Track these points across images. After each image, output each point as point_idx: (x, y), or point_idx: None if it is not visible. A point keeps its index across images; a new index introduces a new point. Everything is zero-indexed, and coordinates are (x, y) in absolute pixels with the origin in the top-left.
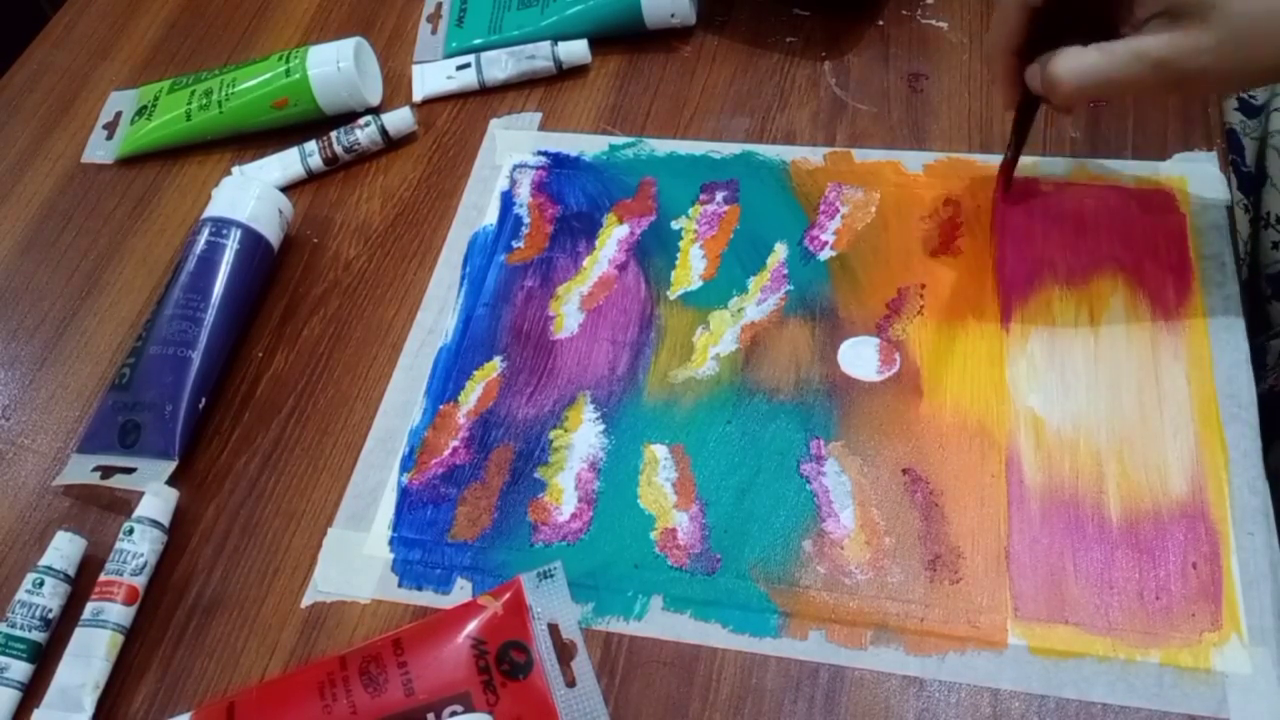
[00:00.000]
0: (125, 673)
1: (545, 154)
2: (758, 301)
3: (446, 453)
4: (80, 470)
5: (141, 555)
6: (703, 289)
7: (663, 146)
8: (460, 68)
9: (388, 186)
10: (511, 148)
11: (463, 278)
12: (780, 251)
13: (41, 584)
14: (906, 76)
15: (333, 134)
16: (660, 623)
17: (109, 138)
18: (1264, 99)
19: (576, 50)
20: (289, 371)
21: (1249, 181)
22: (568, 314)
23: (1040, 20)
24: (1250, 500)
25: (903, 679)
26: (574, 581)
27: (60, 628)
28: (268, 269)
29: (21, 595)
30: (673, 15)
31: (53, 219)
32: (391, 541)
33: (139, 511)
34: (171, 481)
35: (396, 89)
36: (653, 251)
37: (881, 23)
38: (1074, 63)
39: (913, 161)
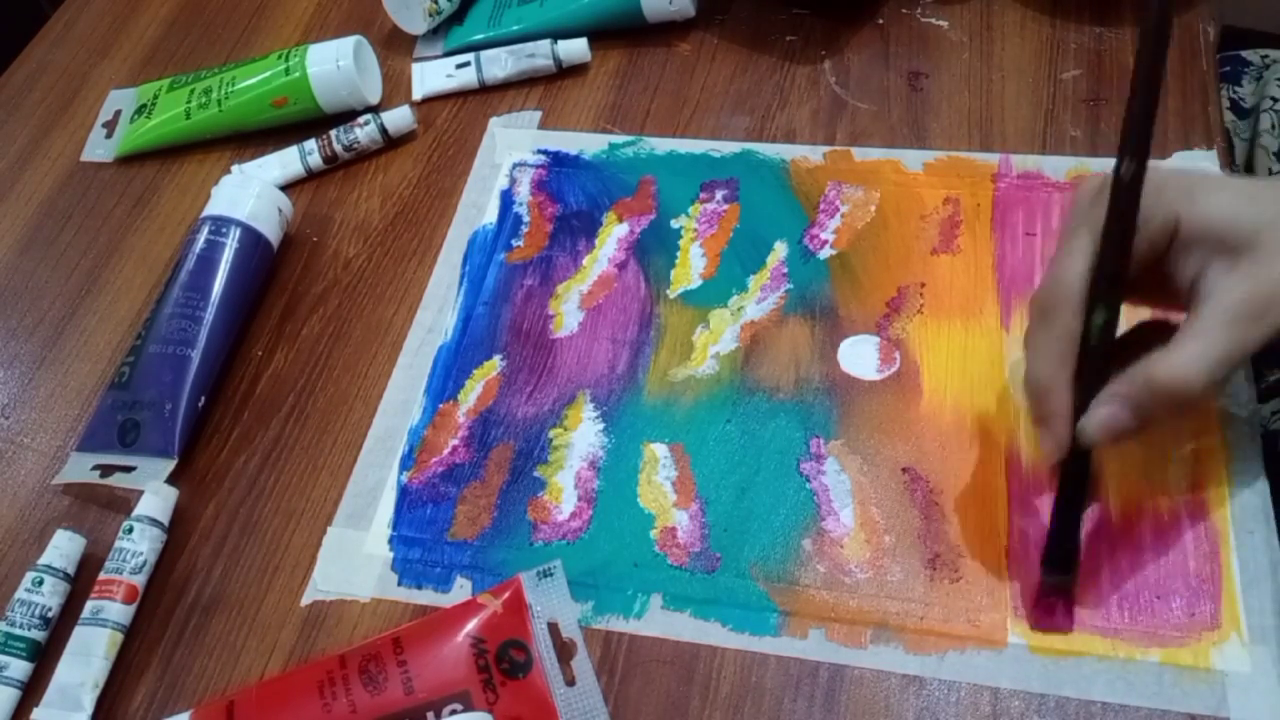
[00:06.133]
0: (125, 671)
1: (545, 152)
2: (758, 300)
3: (446, 451)
4: (80, 469)
5: (141, 554)
6: (702, 288)
7: (662, 145)
8: (460, 66)
9: (387, 185)
10: (511, 146)
11: (462, 276)
12: (780, 250)
13: (41, 582)
14: (906, 75)
15: (332, 132)
16: (660, 621)
17: (108, 136)
18: (1253, 102)
19: (576, 49)
20: (289, 370)
21: None
22: (567, 313)
23: (1086, 339)
24: (1250, 499)
25: (902, 678)
26: (574, 580)
27: (60, 626)
28: (267, 268)
29: (21, 594)
30: (671, 3)
31: (52, 218)
32: (391, 540)
33: (138, 510)
34: (171, 480)
35: (396, 88)
36: (652, 250)
37: (881, 21)
38: (1183, 362)
39: (913, 160)
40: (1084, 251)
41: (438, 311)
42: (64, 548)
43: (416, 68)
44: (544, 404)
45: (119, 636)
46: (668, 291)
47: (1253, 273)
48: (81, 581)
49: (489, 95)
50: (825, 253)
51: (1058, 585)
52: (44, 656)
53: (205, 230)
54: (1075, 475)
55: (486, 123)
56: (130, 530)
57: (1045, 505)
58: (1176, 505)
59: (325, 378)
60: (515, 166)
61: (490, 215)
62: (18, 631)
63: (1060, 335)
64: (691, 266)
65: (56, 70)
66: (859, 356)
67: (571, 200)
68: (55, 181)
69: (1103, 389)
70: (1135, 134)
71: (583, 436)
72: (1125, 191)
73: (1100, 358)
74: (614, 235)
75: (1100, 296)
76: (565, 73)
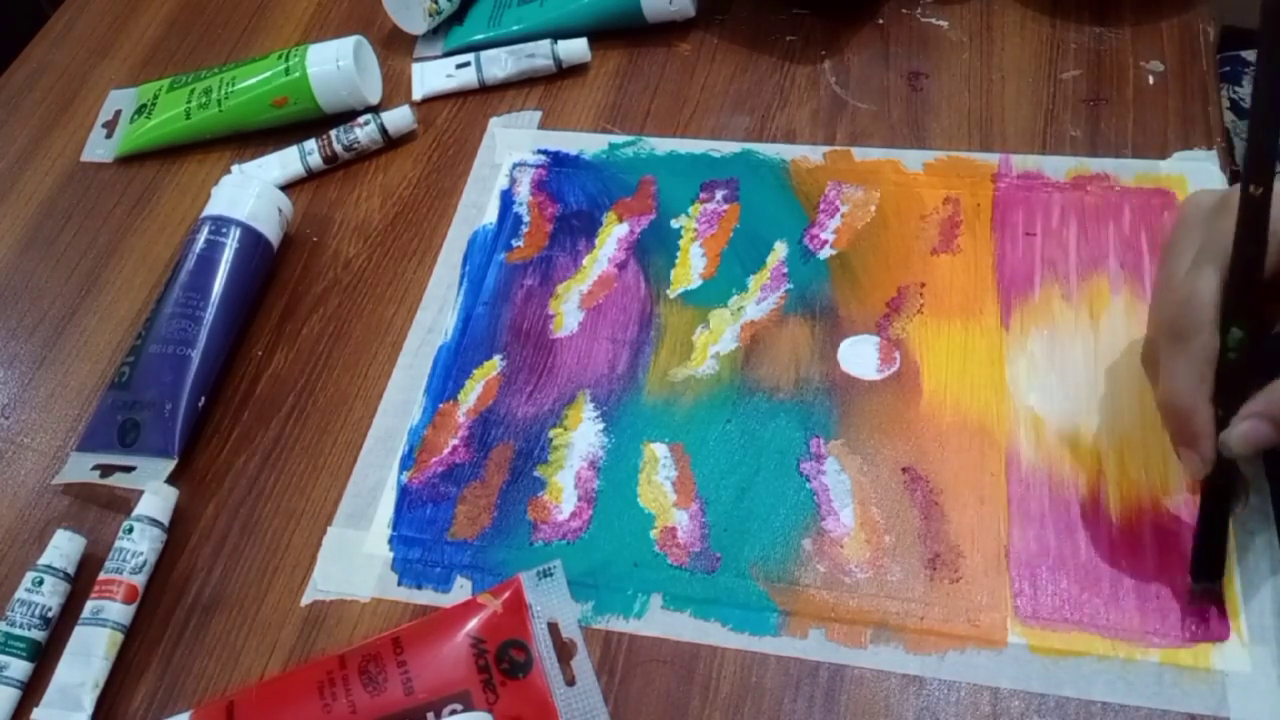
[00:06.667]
0: (125, 671)
1: (545, 152)
2: (758, 300)
3: (446, 451)
4: (80, 469)
5: (141, 554)
6: (702, 287)
7: (662, 145)
8: (460, 66)
9: (387, 185)
10: (511, 146)
11: (462, 276)
12: (780, 250)
13: (41, 582)
14: (906, 75)
15: (332, 132)
16: (660, 621)
17: (108, 136)
18: None
19: (576, 49)
20: (289, 370)
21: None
22: (567, 312)
23: (1224, 354)
24: (1250, 499)
25: (902, 677)
26: (574, 580)
27: (60, 626)
28: (267, 267)
29: (21, 594)
30: (671, 3)
31: (52, 218)
32: (391, 540)
33: (138, 510)
34: (171, 480)
35: (396, 87)
36: (652, 250)
37: (881, 21)
38: None
39: (913, 160)
40: (1213, 270)
41: (438, 311)
42: (64, 548)
43: (416, 68)
44: (544, 404)
45: (119, 636)
46: (668, 291)
47: None
48: (81, 581)
49: (489, 95)
50: (825, 253)
51: (1208, 593)
52: (44, 656)
53: (205, 230)
54: (1221, 489)
55: (486, 123)
56: (130, 530)
57: (1045, 506)
58: (1176, 505)
59: (325, 378)
60: (515, 166)
61: (490, 215)
62: (18, 631)
63: (1198, 355)
64: (691, 266)
65: (56, 70)
66: (859, 356)
67: (571, 200)
68: (55, 181)
69: (1243, 405)
70: (1264, 152)
71: (583, 436)
72: (1257, 209)
73: (1240, 373)
74: (614, 235)
75: (1236, 313)
76: (565, 73)
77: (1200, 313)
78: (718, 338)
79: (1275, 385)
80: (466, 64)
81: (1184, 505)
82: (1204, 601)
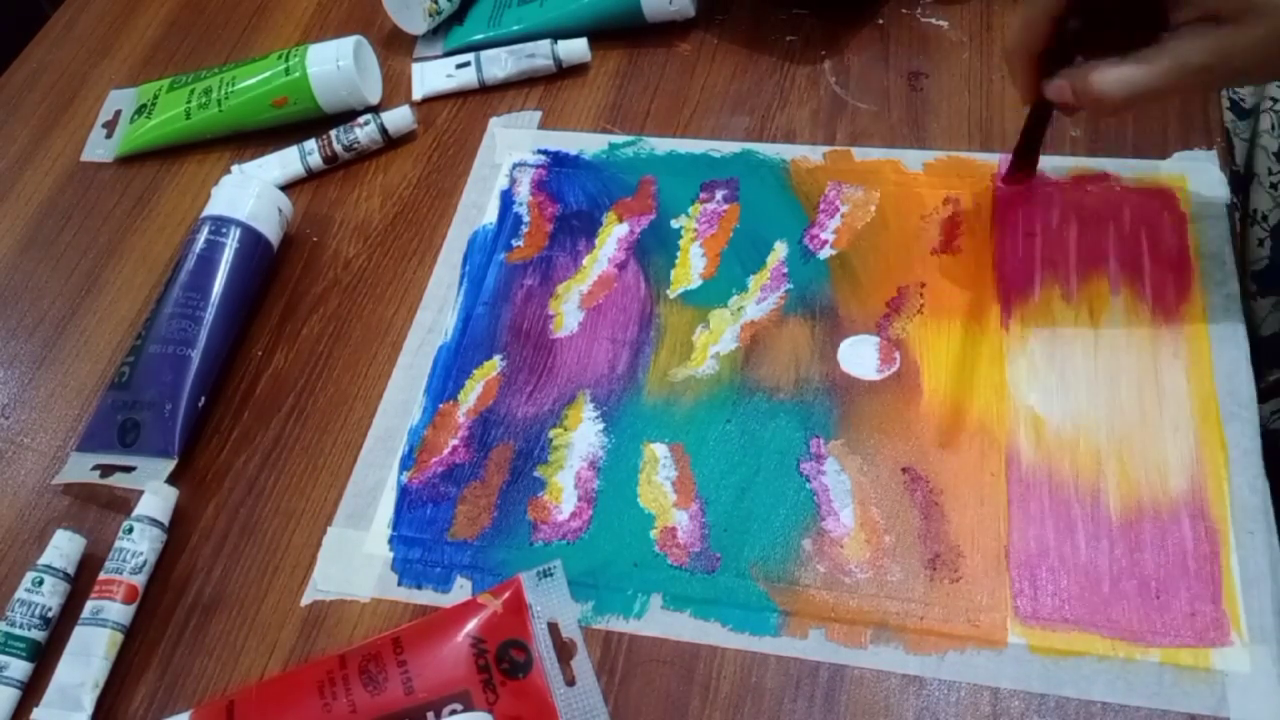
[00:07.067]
0: (125, 671)
1: (545, 152)
2: (758, 300)
3: (446, 451)
4: (80, 469)
5: (141, 554)
6: (702, 287)
7: (662, 145)
8: (460, 66)
9: (387, 185)
10: (511, 146)
11: (462, 276)
12: (780, 250)
13: (41, 582)
14: (906, 75)
15: (332, 132)
16: (660, 621)
17: (108, 136)
18: (1253, 102)
19: (576, 49)
20: (288, 370)
21: (1239, 180)
22: (567, 313)
23: (1063, 31)
24: (1250, 499)
25: (902, 677)
26: (574, 580)
27: (60, 626)
28: (267, 267)
29: (21, 594)
30: (671, 3)
31: (52, 217)
32: (391, 540)
33: (138, 510)
34: (171, 480)
35: (396, 87)
36: (652, 250)
37: (881, 21)
38: (1116, 76)
39: (913, 160)
40: None
41: (438, 311)
42: (64, 548)
43: (416, 68)
44: (544, 404)
45: (119, 636)
46: (668, 291)
47: (1222, 38)
48: (81, 581)
49: (489, 95)
50: (825, 253)
51: (1019, 180)
52: (44, 656)
53: (205, 230)
54: (1041, 108)
55: (486, 123)
56: (130, 530)
57: (1045, 506)
58: (1176, 505)
59: (325, 378)
60: (515, 166)
61: (490, 215)
62: (18, 631)
63: (1032, 22)
64: (691, 266)
65: (56, 70)
66: (859, 356)
67: (571, 200)
68: (55, 181)
69: (1060, 70)
70: None
71: (583, 436)
72: None
73: (1067, 52)
74: (614, 235)
75: (1079, 9)
76: (565, 73)
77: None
78: (718, 338)
79: (1083, 69)
80: (466, 64)
81: (1184, 505)
82: (1014, 184)
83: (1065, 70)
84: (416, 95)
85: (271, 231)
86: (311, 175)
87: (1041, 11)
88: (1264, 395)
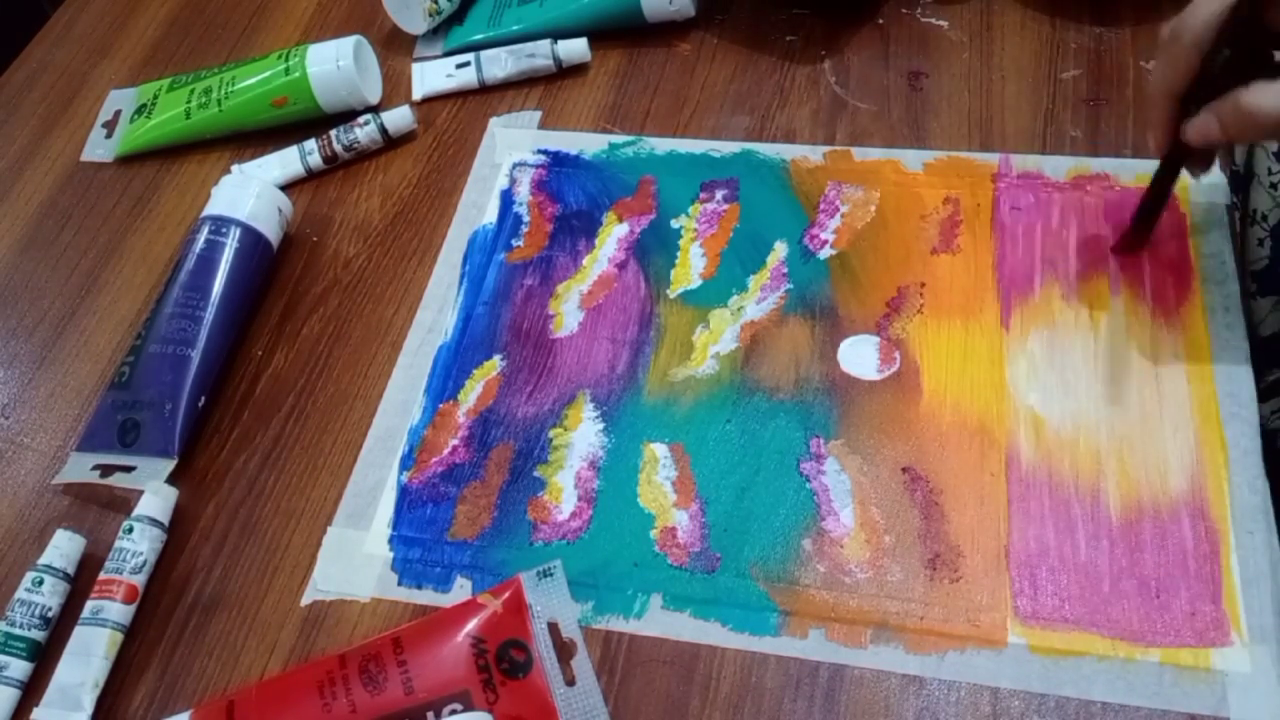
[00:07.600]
0: (125, 671)
1: (545, 152)
2: (758, 300)
3: (446, 451)
4: (80, 469)
5: (141, 554)
6: (702, 287)
7: (662, 145)
8: (460, 66)
9: (387, 185)
10: (511, 146)
11: (462, 276)
12: (780, 250)
13: (41, 582)
14: (906, 75)
15: (332, 132)
16: (660, 621)
17: (108, 136)
18: None
19: (576, 48)
20: (288, 370)
21: (1238, 180)
22: (567, 312)
23: (1211, 65)
24: (1250, 498)
25: (902, 677)
26: (574, 580)
27: (60, 626)
28: (267, 267)
29: (21, 594)
30: (671, 3)
31: (52, 217)
32: (391, 540)
33: (138, 510)
34: (171, 480)
35: (396, 87)
36: (652, 250)
37: (881, 21)
38: (1267, 95)
39: (913, 160)
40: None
41: (438, 311)
42: (64, 548)
43: (416, 68)
44: (544, 404)
45: (119, 636)
46: (668, 291)
47: None
48: (81, 581)
49: (489, 95)
50: (825, 253)
51: (1138, 242)
52: (44, 656)
53: (205, 230)
54: (1172, 162)
55: (486, 123)
56: (130, 530)
57: (1045, 506)
58: (1176, 505)
59: (325, 378)
60: (515, 166)
61: (490, 215)
62: (18, 631)
63: (1176, 60)
64: (691, 266)
65: (56, 70)
66: (859, 356)
67: (571, 200)
68: (55, 181)
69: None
70: None
71: (583, 436)
72: None
73: (1214, 84)
74: (614, 235)
75: (1230, 41)
76: (565, 73)
77: (1190, 29)
78: (718, 338)
79: (1231, 94)
80: (466, 64)
81: (1184, 505)
82: (1130, 252)
83: (1207, 107)
84: (416, 95)
85: (271, 231)
86: (311, 175)
87: (1190, 46)
88: (1264, 395)
